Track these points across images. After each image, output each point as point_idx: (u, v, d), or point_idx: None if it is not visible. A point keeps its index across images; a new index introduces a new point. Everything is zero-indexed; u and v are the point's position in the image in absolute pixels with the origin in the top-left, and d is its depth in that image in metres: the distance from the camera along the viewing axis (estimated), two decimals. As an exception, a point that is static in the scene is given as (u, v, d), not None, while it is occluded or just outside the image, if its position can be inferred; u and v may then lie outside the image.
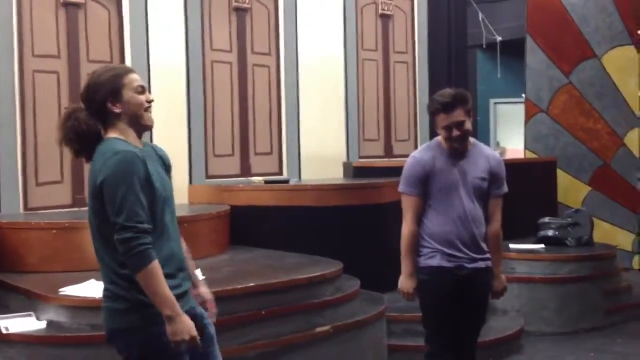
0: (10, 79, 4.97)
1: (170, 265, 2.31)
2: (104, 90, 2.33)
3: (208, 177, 5.97)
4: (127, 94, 2.34)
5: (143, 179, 2.25)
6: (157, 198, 2.29)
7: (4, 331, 3.40)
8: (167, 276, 2.26)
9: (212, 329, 2.49)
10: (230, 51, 6.20)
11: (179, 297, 2.31)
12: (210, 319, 2.53)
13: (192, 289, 2.53)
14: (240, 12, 6.24)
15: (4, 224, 4.39)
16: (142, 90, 2.38)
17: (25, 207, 5.01)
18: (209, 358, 2.46)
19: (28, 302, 3.74)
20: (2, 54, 4.93)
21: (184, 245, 2.53)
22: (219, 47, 6.12)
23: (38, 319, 3.54)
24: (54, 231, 4.25)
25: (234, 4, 6.18)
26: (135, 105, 2.35)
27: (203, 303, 2.55)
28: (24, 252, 4.25)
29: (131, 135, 2.35)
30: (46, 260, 4.20)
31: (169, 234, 2.34)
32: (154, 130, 5.99)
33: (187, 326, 2.24)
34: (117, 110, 2.33)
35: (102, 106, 2.33)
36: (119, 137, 2.32)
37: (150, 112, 2.40)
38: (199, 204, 5.63)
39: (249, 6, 6.27)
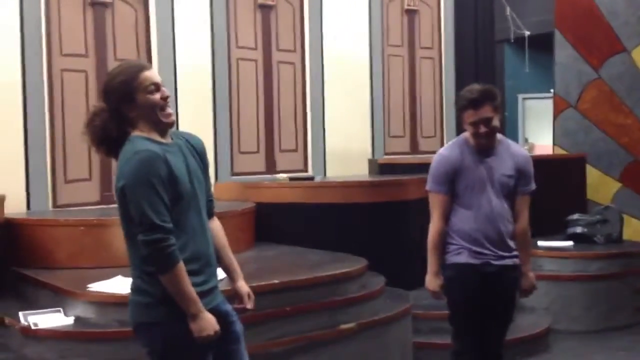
0: (39, 78, 5.04)
1: (195, 262, 2.32)
2: (116, 97, 2.31)
3: (233, 174, 6.00)
4: (140, 97, 2.30)
5: (165, 177, 2.24)
6: (181, 195, 2.29)
7: (32, 327, 3.45)
8: (192, 273, 2.27)
9: (238, 327, 2.49)
10: (256, 48, 6.21)
11: (204, 294, 2.32)
12: (242, 313, 2.53)
13: (232, 283, 2.55)
14: (265, 10, 6.25)
15: (33, 221, 4.46)
16: (156, 87, 2.33)
17: (54, 204, 5.08)
18: (235, 356, 2.46)
19: (56, 298, 3.79)
20: (31, 53, 5.00)
21: (223, 238, 2.54)
22: (244, 45, 6.14)
23: (66, 314, 3.58)
24: (82, 228, 4.30)
25: (259, 1, 6.19)
26: (149, 107, 2.31)
27: (240, 297, 2.55)
28: (52, 249, 4.31)
29: (154, 134, 2.33)
30: (74, 257, 4.25)
31: (194, 230, 2.33)
32: (180, 127, 6.07)
33: (210, 323, 2.27)
34: (132, 114, 2.32)
35: (117, 111, 2.33)
36: (142, 135, 2.32)
37: (167, 108, 2.34)
38: (225, 200, 5.65)
39: (274, 3, 6.27)
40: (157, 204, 2.21)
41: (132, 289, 2.37)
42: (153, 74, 2.35)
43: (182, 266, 2.23)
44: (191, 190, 2.34)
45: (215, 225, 2.54)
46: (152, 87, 2.32)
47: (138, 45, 5.59)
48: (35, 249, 4.34)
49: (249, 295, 2.57)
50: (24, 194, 4.94)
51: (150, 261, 2.23)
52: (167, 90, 2.36)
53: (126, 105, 2.31)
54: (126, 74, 2.32)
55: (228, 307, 2.49)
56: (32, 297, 4.07)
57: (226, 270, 2.57)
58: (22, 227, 4.41)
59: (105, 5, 5.40)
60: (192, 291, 2.25)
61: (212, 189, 5.83)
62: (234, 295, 2.56)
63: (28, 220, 4.51)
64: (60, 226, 4.38)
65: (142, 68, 2.35)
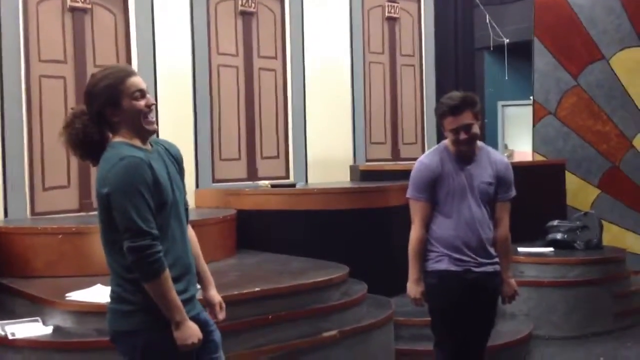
0: (17, 84, 4.98)
1: (176, 269, 2.30)
2: (100, 101, 2.29)
3: (215, 181, 5.96)
4: (125, 102, 2.29)
5: (151, 184, 2.23)
6: (164, 202, 2.27)
7: (10, 337, 3.39)
8: (173, 280, 2.25)
9: (217, 336, 2.48)
10: (237, 55, 6.19)
11: (185, 302, 2.30)
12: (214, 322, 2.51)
13: (203, 292, 2.52)
14: (247, 16, 6.24)
15: (10, 229, 4.39)
16: (142, 94, 2.31)
17: (32, 212, 5.01)
18: None
19: (34, 307, 3.74)
20: (9, 59, 4.95)
21: (196, 247, 2.52)
22: (225, 51, 6.12)
23: (44, 324, 3.53)
24: (60, 236, 4.25)
25: (240, 8, 6.17)
26: (134, 113, 2.30)
27: (211, 307, 2.53)
28: (30, 257, 4.25)
29: (135, 140, 2.32)
30: (52, 265, 4.20)
31: (175, 238, 2.32)
32: (160, 134, 6.03)
33: (194, 332, 2.26)
34: (116, 119, 2.30)
35: (100, 115, 2.30)
36: (124, 141, 2.30)
37: (151, 116, 2.33)
38: (206, 208, 5.62)
39: (255, 10, 6.26)
40: (144, 211, 2.19)
41: (111, 297, 2.34)
42: (139, 80, 2.34)
43: (168, 274, 2.21)
44: (173, 198, 2.33)
45: (191, 233, 2.53)
46: (138, 93, 2.30)
47: (118, 51, 5.55)
48: (13, 257, 4.28)
49: (220, 305, 2.56)
50: (1, 202, 4.87)
51: (136, 268, 2.20)
52: (152, 98, 2.36)
53: (110, 110, 2.29)
54: (113, 78, 2.29)
55: (206, 315, 2.47)
56: (9, 306, 4.00)
57: (198, 278, 2.54)
58: (-1, 235, 4.35)
59: (84, 10, 5.35)
60: (177, 299, 2.23)
61: (193, 196, 5.85)
62: (205, 305, 2.54)
63: (5, 228, 4.43)
64: (38, 234, 4.32)
65: (130, 73, 2.33)
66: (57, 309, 3.58)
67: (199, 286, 2.54)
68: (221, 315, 2.56)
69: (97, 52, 5.40)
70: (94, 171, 2.40)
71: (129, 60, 5.56)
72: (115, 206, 2.19)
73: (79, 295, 3.63)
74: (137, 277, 2.22)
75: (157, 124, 5.81)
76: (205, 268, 2.56)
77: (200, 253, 2.55)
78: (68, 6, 5.26)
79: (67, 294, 3.65)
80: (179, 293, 2.27)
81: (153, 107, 2.35)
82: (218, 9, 6.07)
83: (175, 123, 5.73)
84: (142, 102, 2.31)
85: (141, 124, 2.31)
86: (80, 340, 3.37)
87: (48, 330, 3.48)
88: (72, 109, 2.40)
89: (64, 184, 5.19)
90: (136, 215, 2.17)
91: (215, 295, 2.56)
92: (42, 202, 5.07)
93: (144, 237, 2.17)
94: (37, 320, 3.55)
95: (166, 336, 2.23)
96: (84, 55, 5.34)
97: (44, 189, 5.10)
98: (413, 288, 3.24)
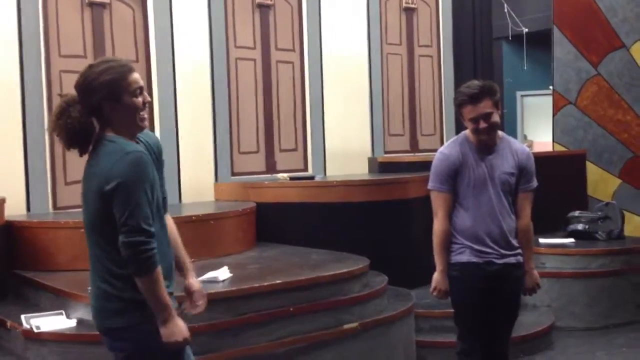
0: (38, 80, 5.02)
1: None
2: (101, 94, 2.25)
3: (234, 174, 5.98)
4: (126, 99, 2.27)
5: (152, 180, 2.24)
6: (154, 198, 2.28)
7: (35, 330, 3.44)
8: None
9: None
10: (254, 48, 6.19)
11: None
12: (193, 311, 2.49)
13: (184, 280, 2.50)
14: (264, 9, 6.23)
15: (34, 224, 4.44)
16: (140, 91, 2.30)
17: (54, 206, 5.06)
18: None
19: (58, 300, 3.78)
20: (30, 54, 4.99)
21: (175, 235, 2.48)
22: (242, 44, 6.12)
23: (68, 317, 3.57)
24: (82, 230, 4.26)
25: (258, 1, 6.17)
26: (132, 109, 2.28)
27: (190, 294, 2.49)
28: (53, 251, 4.30)
29: (126, 135, 2.30)
30: (75, 259, 4.22)
31: (157, 234, 2.28)
32: (179, 127, 6.05)
33: (181, 328, 2.26)
34: (113, 113, 2.27)
35: (97, 108, 2.27)
36: (118, 135, 2.28)
37: (144, 114, 2.32)
38: (225, 201, 5.64)
39: (272, 3, 6.26)
40: (145, 207, 2.19)
41: (96, 294, 2.31)
42: (139, 77, 2.32)
43: (159, 270, 2.21)
44: (157, 192, 2.32)
45: (169, 222, 2.49)
46: (138, 90, 2.29)
47: (136, 45, 5.57)
48: (37, 251, 4.33)
49: (200, 293, 2.50)
50: (24, 195, 4.92)
51: (130, 263, 2.19)
52: (147, 96, 2.34)
53: (109, 104, 2.26)
54: (115, 73, 2.26)
55: (177, 308, 2.42)
56: (34, 300, 4.06)
57: (177, 266, 2.49)
58: (23, 229, 4.40)
59: (103, 5, 5.38)
60: (167, 296, 2.24)
61: (212, 189, 5.88)
62: (184, 293, 2.50)
63: (29, 222, 4.48)
64: (60, 228, 4.36)
65: (131, 69, 2.31)
66: (80, 302, 3.61)
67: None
68: (200, 303, 2.49)
69: (116, 47, 5.42)
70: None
71: (147, 54, 5.59)
72: (119, 199, 2.17)
73: (102, 289, 3.66)
74: (127, 273, 2.20)
75: (175, 116, 5.85)
76: (185, 255, 2.51)
77: (179, 240, 2.51)
78: (87, 1, 5.29)
79: (89, 287, 3.67)
80: None
81: (147, 105, 2.34)
82: (235, 2, 6.07)
83: (194, 117, 5.76)
84: (140, 99, 2.30)
85: (135, 120, 2.30)
86: (104, 332, 3.40)
87: (72, 323, 3.52)
88: (60, 95, 2.36)
89: (85, 178, 5.23)
90: (137, 211, 2.16)
91: (195, 283, 2.51)
92: (64, 196, 5.11)
93: (140, 233, 2.17)
94: (61, 314, 3.59)
95: (157, 329, 2.23)
96: (104, 50, 5.36)
97: (66, 183, 5.14)
98: (441, 280, 3.22)
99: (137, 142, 2.34)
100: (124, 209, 2.17)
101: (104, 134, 2.29)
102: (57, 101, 2.38)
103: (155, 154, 2.41)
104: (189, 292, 2.50)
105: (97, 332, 2.30)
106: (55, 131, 2.32)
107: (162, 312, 2.22)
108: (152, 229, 2.20)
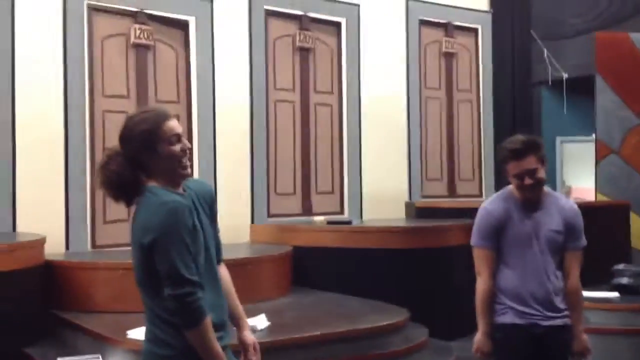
0: (81, 119, 5.10)
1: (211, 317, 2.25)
2: (137, 145, 2.25)
3: (270, 215, 5.96)
4: (161, 148, 2.25)
5: (192, 229, 2.21)
6: (200, 247, 2.25)
7: (72, 374, 3.42)
8: None
9: None
10: (294, 90, 6.23)
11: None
12: None
13: (237, 332, 2.46)
14: (304, 52, 6.28)
15: (74, 264, 4.46)
16: (178, 138, 2.28)
17: (93, 245, 5.09)
18: None
19: (95, 343, 3.77)
20: (74, 94, 5.07)
21: (229, 286, 2.45)
22: (282, 87, 6.16)
23: (105, 362, 3.55)
24: (121, 271, 4.29)
25: (298, 44, 6.22)
26: (169, 158, 2.26)
27: (245, 348, 2.45)
28: (92, 292, 4.31)
29: (170, 184, 2.28)
30: (114, 300, 4.23)
31: (209, 284, 2.26)
32: (217, 168, 6.05)
33: None
34: (151, 163, 2.26)
35: (137, 159, 2.27)
36: (159, 185, 2.26)
37: (185, 160, 2.29)
38: (261, 243, 5.62)
39: (312, 46, 6.30)
40: (186, 257, 2.16)
41: (148, 338, 2.29)
42: (176, 124, 2.31)
43: (209, 321, 2.18)
44: (206, 242, 2.30)
45: (223, 271, 2.47)
46: (174, 138, 2.27)
47: (178, 86, 5.64)
48: (75, 291, 4.34)
49: (254, 347, 2.46)
50: (63, 234, 4.96)
51: (178, 316, 2.17)
52: (187, 142, 2.32)
53: (146, 154, 2.25)
54: (150, 123, 2.26)
55: None
56: (70, 341, 4.05)
57: (232, 318, 2.46)
58: (62, 269, 4.42)
59: (147, 47, 5.46)
60: (218, 346, 2.20)
61: (248, 230, 5.85)
62: (239, 346, 2.46)
63: (68, 262, 4.51)
64: (99, 269, 4.38)
65: (167, 117, 2.29)
66: (118, 347, 3.59)
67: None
68: (255, 358, 2.46)
69: (158, 87, 5.50)
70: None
71: (188, 95, 5.65)
72: (159, 252, 2.16)
73: (139, 333, 3.63)
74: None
75: (214, 156, 5.87)
76: (239, 307, 2.48)
77: (234, 291, 2.48)
78: (132, 42, 5.38)
79: (128, 331, 3.66)
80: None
81: (188, 151, 2.31)
82: (276, 44, 6.13)
83: (232, 157, 5.78)
84: (177, 147, 2.27)
85: (176, 168, 2.28)
86: (140, 380, 3.36)
87: (109, 368, 3.50)
88: (107, 149, 2.36)
89: (124, 217, 5.25)
90: (179, 262, 2.14)
91: (249, 337, 2.47)
92: (103, 235, 5.14)
93: (185, 285, 2.14)
94: (97, 358, 3.56)
95: None
96: (146, 90, 5.44)
97: (105, 222, 5.17)
98: (485, 342, 3.12)
99: (184, 191, 2.33)
100: (166, 262, 2.15)
101: (147, 186, 2.28)
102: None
103: (208, 203, 2.39)
104: (244, 346, 2.46)
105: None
106: (97, 184, 2.34)
107: None
108: (196, 278, 2.17)
